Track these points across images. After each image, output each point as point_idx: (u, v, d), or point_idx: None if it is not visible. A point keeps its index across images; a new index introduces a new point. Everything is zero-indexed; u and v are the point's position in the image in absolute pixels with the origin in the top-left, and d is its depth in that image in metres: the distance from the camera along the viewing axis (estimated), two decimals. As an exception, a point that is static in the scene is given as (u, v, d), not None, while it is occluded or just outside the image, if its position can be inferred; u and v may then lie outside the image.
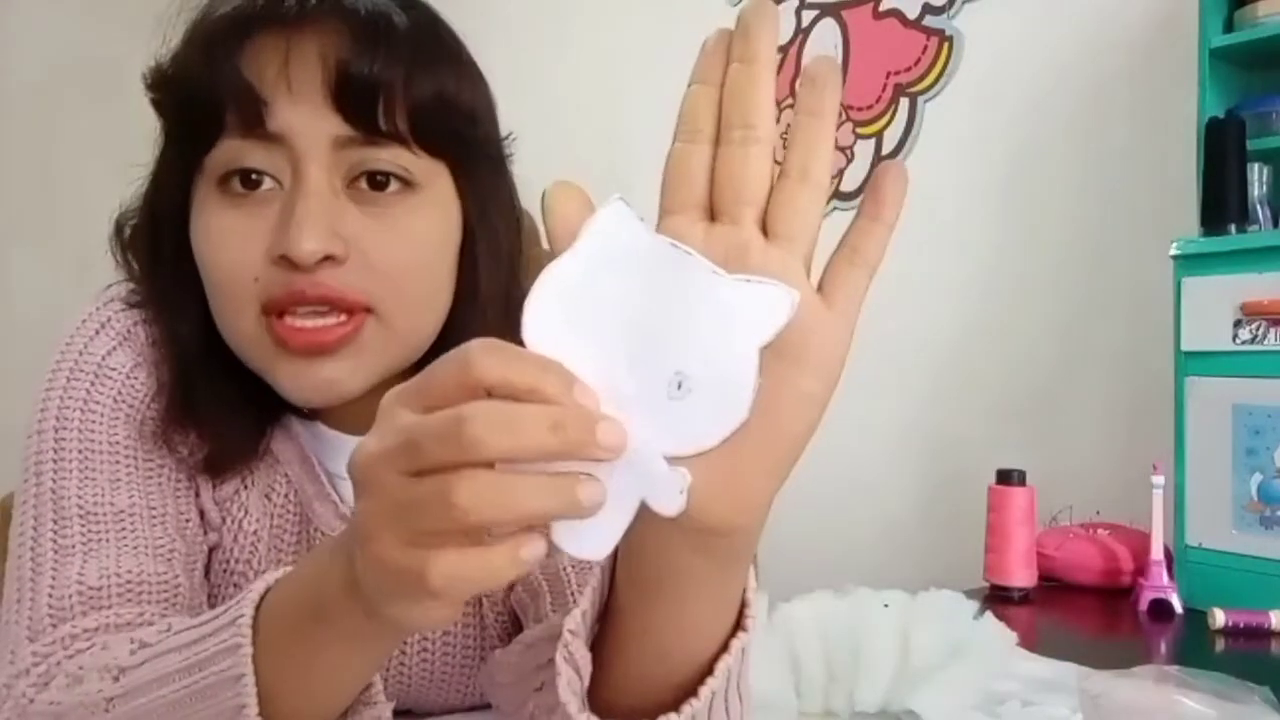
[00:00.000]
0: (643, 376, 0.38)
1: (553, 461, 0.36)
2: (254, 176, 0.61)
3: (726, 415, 0.38)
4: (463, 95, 0.64)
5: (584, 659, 0.48)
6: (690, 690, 0.47)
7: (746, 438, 0.38)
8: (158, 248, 0.67)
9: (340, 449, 0.70)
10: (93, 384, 0.66)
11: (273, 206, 0.61)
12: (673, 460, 0.38)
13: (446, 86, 0.63)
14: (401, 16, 0.62)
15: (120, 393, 0.66)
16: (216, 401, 0.66)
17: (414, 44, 0.62)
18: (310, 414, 0.70)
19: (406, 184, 0.62)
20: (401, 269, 0.62)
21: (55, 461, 0.64)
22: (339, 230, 0.60)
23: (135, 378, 0.67)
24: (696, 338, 0.38)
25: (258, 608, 0.50)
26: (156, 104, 0.65)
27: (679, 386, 0.38)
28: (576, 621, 0.48)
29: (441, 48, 0.65)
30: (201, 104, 0.61)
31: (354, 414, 0.68)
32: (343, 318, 0.61)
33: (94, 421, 0.65)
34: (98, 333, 0.68)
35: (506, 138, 0.70)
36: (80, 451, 0.65)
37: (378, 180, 0.61)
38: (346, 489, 0.69)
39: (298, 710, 0.50)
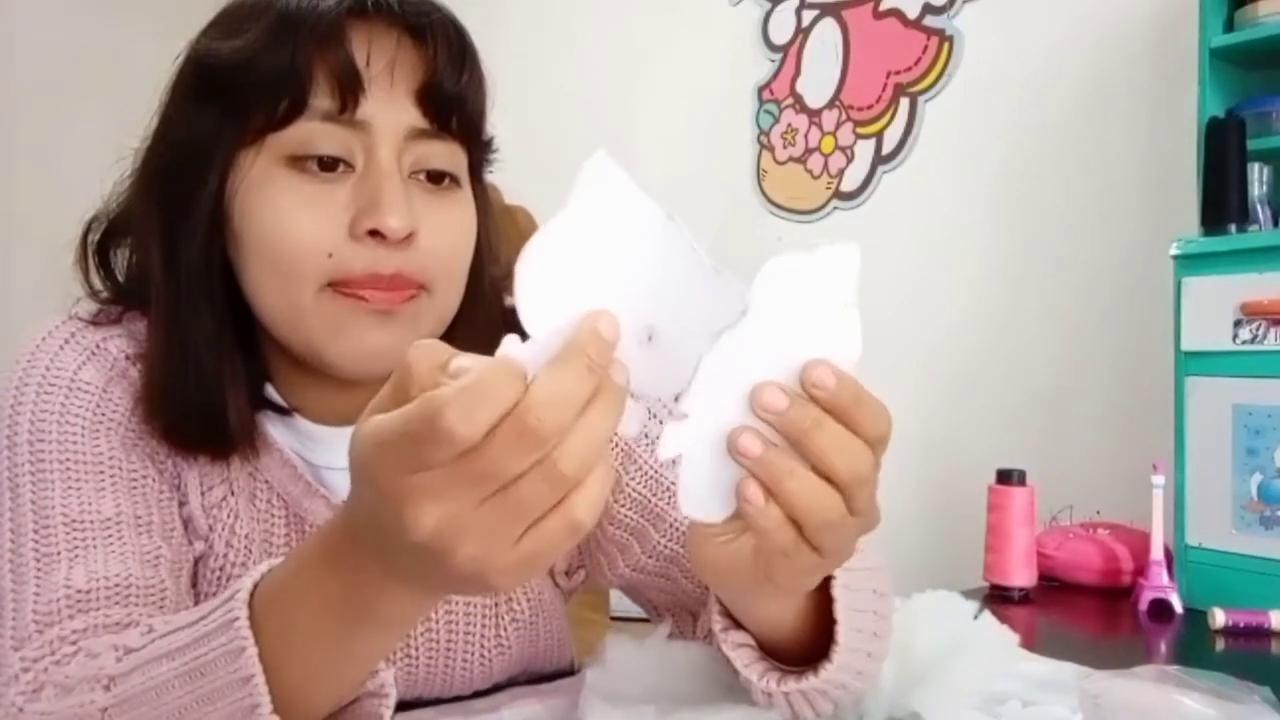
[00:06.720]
0: (624, 323, 0.41)
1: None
2: (327, 159, 0.64)
3: (678, 375, 0.43)
4: (485, 114, 0.72)
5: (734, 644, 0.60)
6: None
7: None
8: (192, 225, 0.66)
9: (324, 441, 0.72)
10: (67, 398, 0.67)
11: (343, 185, 0.64)
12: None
13: (482, 106, 0.71)
14: (473, 43, 0.69)
15: (99, 407, 0.67)
16: (215, 376, 0.66)
17: (479, 69, 0.69)
18: (289, 410, 0.71)
19: (454, 180, 0.69)
20: (452, 253, 0.68)
21: (34, 474, 0.64)
22: (413, 211, 0.65)
23: (110, 394, 0.68)
24: (670, 301, 0.42)
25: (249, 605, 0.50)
26: (218, 81, 0.64)
27: (649, 339, 0.43)
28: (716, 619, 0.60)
29: (484, 75, 0.71)
30: (291, 83, 0.63)
31: (335, 406, 0.71)
32: (406, 293, 0.66)
33: (74, 434, 0.66)
34: (63, 347, 0.68)
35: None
36: (62, 463, 0.65)
37: (433, 175, 0.67)
38: (333, 480, 0.72)
39: (311, 700, 0.51)
